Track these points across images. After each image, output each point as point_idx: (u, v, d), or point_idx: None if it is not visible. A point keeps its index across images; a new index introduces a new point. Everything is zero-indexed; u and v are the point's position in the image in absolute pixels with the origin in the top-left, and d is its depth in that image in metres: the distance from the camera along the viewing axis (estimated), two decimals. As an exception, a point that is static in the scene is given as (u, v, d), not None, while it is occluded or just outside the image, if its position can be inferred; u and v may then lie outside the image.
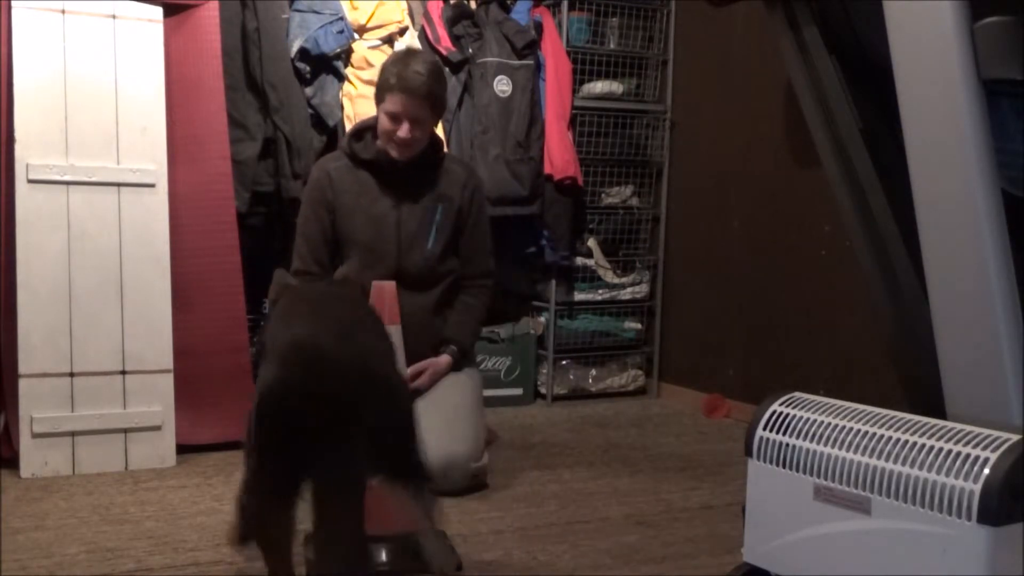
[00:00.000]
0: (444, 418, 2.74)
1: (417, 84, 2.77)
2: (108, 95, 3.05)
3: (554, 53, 4.08)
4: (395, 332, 2.18)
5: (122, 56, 3.08)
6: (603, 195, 4.34)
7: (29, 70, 2.95)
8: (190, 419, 3.12)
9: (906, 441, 1.67)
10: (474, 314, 3.01)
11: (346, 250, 2.89)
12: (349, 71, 3.70)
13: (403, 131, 2.79)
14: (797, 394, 1.92)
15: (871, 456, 1.70)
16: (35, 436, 2.88)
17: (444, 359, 2.90)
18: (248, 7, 3.48)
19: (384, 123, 2.83)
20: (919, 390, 1.99)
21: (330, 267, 2.87)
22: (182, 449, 3.05)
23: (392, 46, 3.76)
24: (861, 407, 1.83)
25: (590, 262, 4.28)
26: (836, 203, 2.14)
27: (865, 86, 2.07)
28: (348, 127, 3.67)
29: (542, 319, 4.24)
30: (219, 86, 3.30)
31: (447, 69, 3.84)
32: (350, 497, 1.64)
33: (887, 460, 1.68)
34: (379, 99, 2.85)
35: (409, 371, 2.80)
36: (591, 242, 4.29)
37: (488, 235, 3.05)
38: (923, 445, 1.64)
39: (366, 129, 2.95)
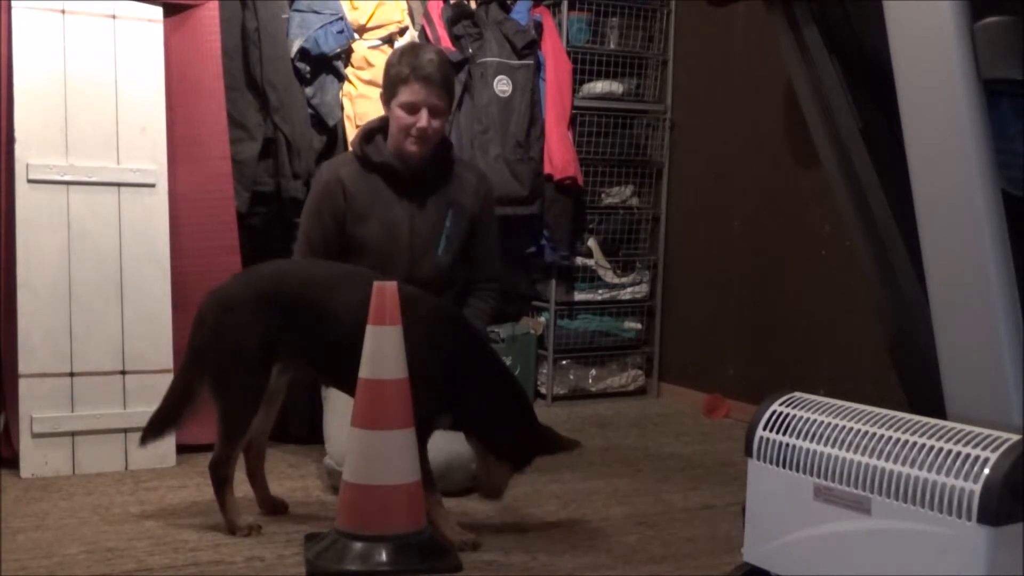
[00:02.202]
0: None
1: (432, 71, 2.73)
2: (108, 95, 3.05)
3: (554, 53, 4.08)
4: (395, 333, 2.16)
5: (122, 56, 3.08)
6: (603, 195, 4.34)
7: (29, 70, 2.95)
8: (190, 419, 3.11)
9: (906, 441, 1.67)
10: (483, 319, 2.99)
11: (355, 254, 2.82)
12: (349, 71, 3.70)
13: (422, 121, 2.73)
14: (797, 394, 1.92)
15: (871, 456, 1.70)
16: (35, 436, 2.88)
17: None
18: (248, 7, 3.47)
19: (400, 117, 2.76)
20: (919, 390, 1.99)
21: None
22: (182, 449, 3.04)
23: (392, 46, 3.76)
24: (861, 407, 1.83)
25: (590, 262, 4.28)
26: (836, 203, 2.14)
27: (865, 86, 2.07)
28: (348, 127, 3.68)
29: (542, 319, 4.24)
30: (219, 86, 3.30)
31: (447, 69, 3.86)
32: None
33: (887, 460, 1.68)
34: (391, 94, 2.78)
35: None
36: (591, 242, 4.29)
37: (497, 240, 3.03)
38: (923, 445, 1.64)
39: (375, 131, 2.88)
